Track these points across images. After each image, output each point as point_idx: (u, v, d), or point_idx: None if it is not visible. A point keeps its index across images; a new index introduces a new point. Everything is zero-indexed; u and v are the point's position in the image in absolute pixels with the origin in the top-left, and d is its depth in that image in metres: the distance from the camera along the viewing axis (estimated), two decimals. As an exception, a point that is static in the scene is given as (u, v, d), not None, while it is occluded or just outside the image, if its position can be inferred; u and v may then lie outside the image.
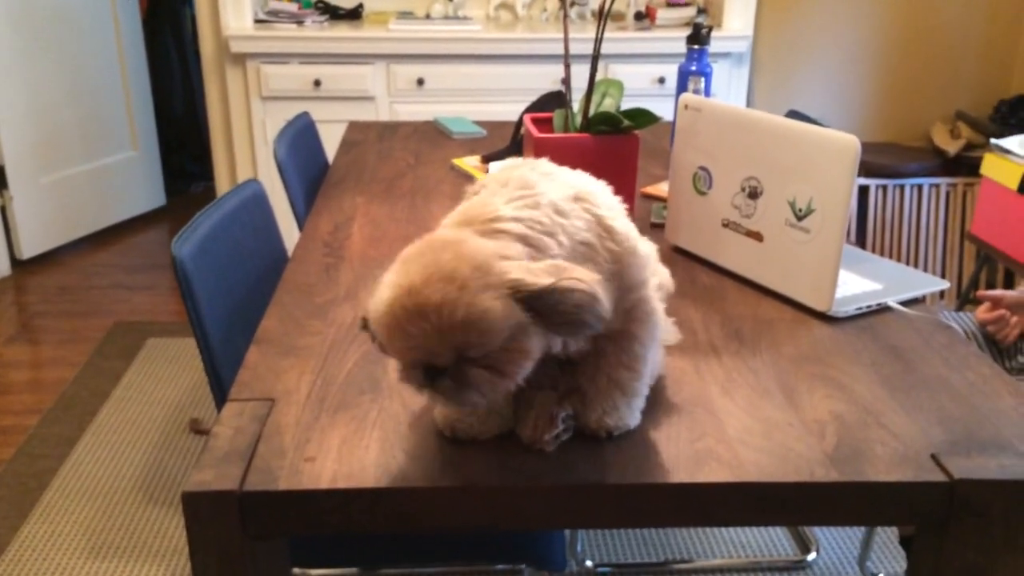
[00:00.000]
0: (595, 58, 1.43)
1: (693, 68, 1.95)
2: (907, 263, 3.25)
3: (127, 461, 2.37)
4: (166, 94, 4.59)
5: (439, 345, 0.79)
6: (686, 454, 0.95)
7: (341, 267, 1.44)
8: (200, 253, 1.23)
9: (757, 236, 1.35)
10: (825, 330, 1.25)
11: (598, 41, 1.41)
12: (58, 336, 3.11)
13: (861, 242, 3.28)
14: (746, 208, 1.36)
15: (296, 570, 1.68)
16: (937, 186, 3.23)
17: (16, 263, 3.66)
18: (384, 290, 0.82)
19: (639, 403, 0.98)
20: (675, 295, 1.29)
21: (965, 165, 3.23)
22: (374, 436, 0.97)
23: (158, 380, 2.78)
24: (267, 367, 1.12)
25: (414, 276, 0.80)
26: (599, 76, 1.53)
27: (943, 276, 3.25)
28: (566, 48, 1.48)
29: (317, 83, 3.15)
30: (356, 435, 0.98)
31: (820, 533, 2.10)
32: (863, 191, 3.24)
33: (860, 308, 1.28)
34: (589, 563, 1.99)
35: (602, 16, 1.34)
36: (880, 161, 3.20)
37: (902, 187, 3.23)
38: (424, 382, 0.83)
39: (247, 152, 3.34)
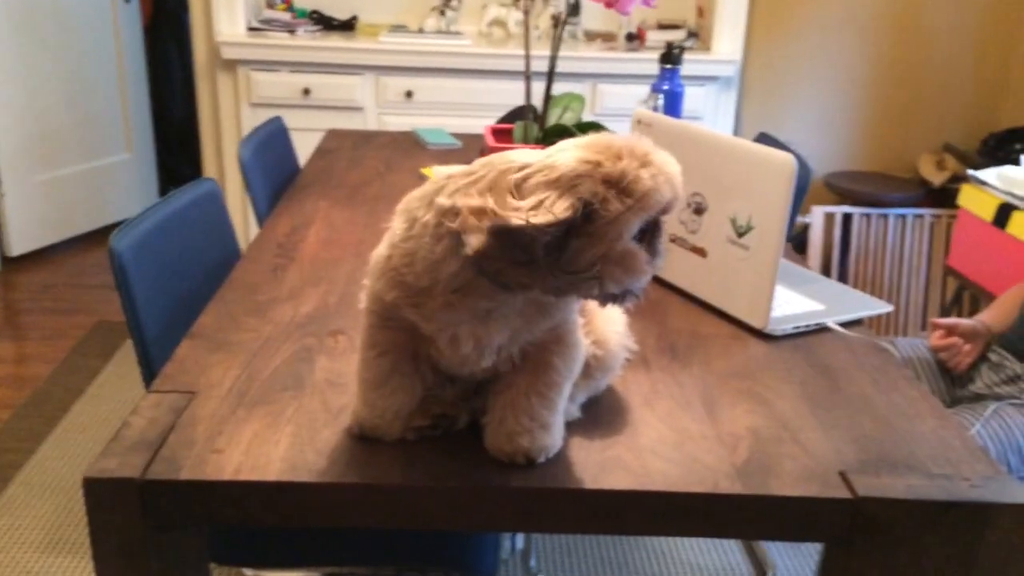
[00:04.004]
0: (551, 73, 1.45)
1: (665, 88, 1.96)
2: (889, 293, 3.24)
3: (92, 458, 2.37)
4: (167, 99, 4.63)
5: None
6: (594, 461, 0.95)
7: (290, 268, 1.45)
8: (141, 247, 1.24)
9: (701, 252, 1.35)
10: (760, 347, 1.25)
11: (553, 58, 1.42)
12: (40, 333, 3.12)
13: (843, 270, 3.27)
14: (691, 224, 1.37)
15: (248, 571, 1.68)
16: (921, 217, 3.23)
17: (5, 260, 3.68)
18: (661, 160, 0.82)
19: (556, 428, 0.95)
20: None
21: (950, 197, 3.23)
22: (286, 431, 0.98)
23: (133, 380, 2.79)
24: (194, 361, 1.13)
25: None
26: (566, 91, 1.55)
27: (925, 307, 3.24)
28: (527, 63, 1.49)
29: (306, 92, 3.17)
30: (269, 430, 0.98)
31: (777, 556, 2.09)
32: (847, 219, 3.24)
33: (798, 327, 1.29)
34: (542, 578, 1.99)
35: (558, 27, 1.35)
36: (864, 189, 3.21)
37: (886, 217, 3.23)
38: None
39: (235, 157, 3.37)
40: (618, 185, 0.79)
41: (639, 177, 0.79)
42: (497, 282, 0.83)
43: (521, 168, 0.81)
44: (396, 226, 0.90)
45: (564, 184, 0.79)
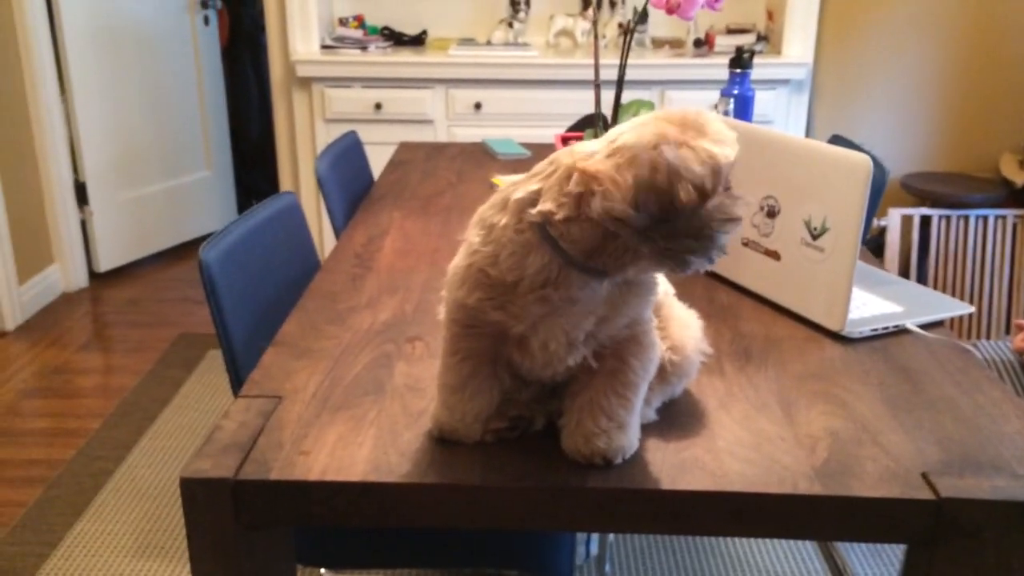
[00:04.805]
0: (620, 80, 1.46)
1: (735, 92, 1.96)
2: (971, 295, 3.16)
3: (179, 466, 2.46)
4: (244, 117, 4.77)
5: None
6: (671, 462, 0.96)
7: (367, 277, 1.49)
8: (227, 258, 1.29)
9: (774, 255, 1.35)
10: (837, 350, 1.24)
11: (623, 65, 1.43)
12: (126, 345, 3.25)
13: (922, 273, 3.20)
14: (764, 227, 1.36)
15: (325, 572, 1.72)
16: (1003, 218, 3.14)
17: (93, 275, 3.83)
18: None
19: (632, 429, 0.96)
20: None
21: (1034, 196, 3.14)
22: (369, 434, 1.01)
23: (215, 389, 2.88)
24: (280, 367, 1.17)
25: None
26: (636, 99, 1.56)
27: (1008, 309, 3.14)
28: (596, 71, 1.51)
29: (378, 106, 3.24)
30: (352, 432, 1.01)
31: (856, 561, 2.05)
32: (925, 221, 3.17)
33: (876, 329, 1.27)
34: (618, 584, 1.99)
35: (626, 35, 1.36)
36: (943, 190, 3.13)
37: (966, 218, 3.15)
38: None
39: (310, 171, 3.46)
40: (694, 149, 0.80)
41: (705, 145, 0.80)
42: (588, 270, 0.85)
43: (591, 155, 0.83)
44: (472, 236, 0.92)
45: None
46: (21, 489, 2.36)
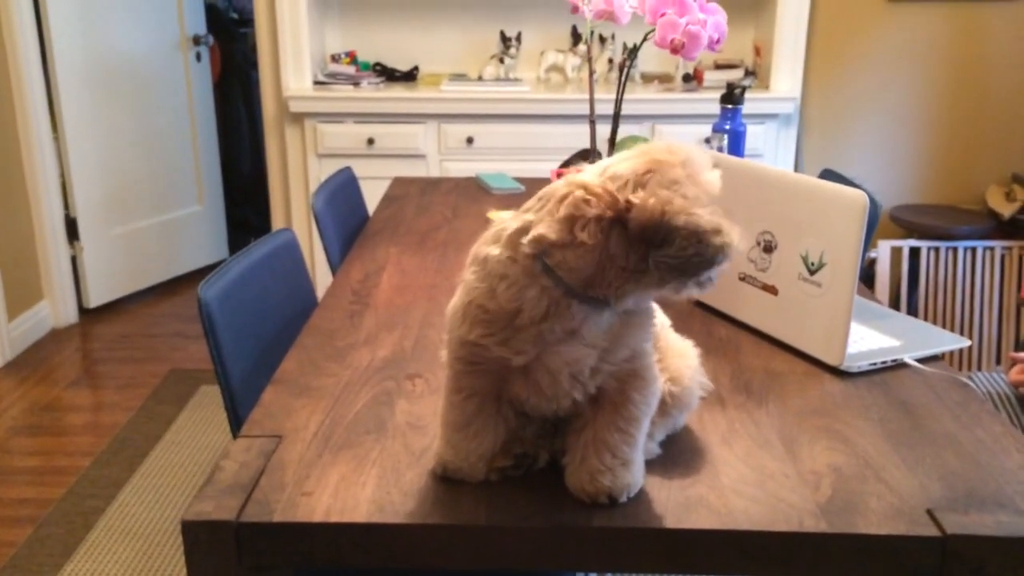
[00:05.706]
0: (616, 115, 1.47)
1: (727, 127, 1.98)
2: (961, 327, 3.18)
3: (171, 503, 2.43)
4: (235, 152, 4.78)
5: None
6: (676, 500, 0.96)
7: (365, 314, 1.49)
8: (226, 296, 1.29)
9: (772, 290, 1.36)
10: (836, 384, 1.24)
11: (619, 101, 1.45)
12: (117, 382, 3.22)
13: (912, 304, 3.22)
14: (761, 262, 1.37)
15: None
16: (991, 249, 3.17)
17: (83, 311, 3.81)
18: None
19: (636, 465, 0.96)
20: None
21: (1021, 228, 3.17)
22: (372, 474, 1.00)
23: (207, 425, 2.85)
24: (280, 406, 1.16)
25: None
26: (630, 134, 1.58)
27: (999, 341, 3.16)
28: (591, 106, 1.52)
29: (371, 141, 3.26)
30: (355, 472, 1.01)
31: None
32: (914, 253, 3.19)
33: (874, 364, 1.28)
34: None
35: (621, 71, 1.38)
36: (931, 223, 3.16)
37: (955, 250, 3.17)
38: None
39: (303, 206, 3.46)
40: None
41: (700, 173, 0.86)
42: (588, 300, 0.86)
43: (582, 186, 0.84)
44: (469, 275, 0.92)
45: (640, 183, 0.83)
46: (10, 529, 2.33)
